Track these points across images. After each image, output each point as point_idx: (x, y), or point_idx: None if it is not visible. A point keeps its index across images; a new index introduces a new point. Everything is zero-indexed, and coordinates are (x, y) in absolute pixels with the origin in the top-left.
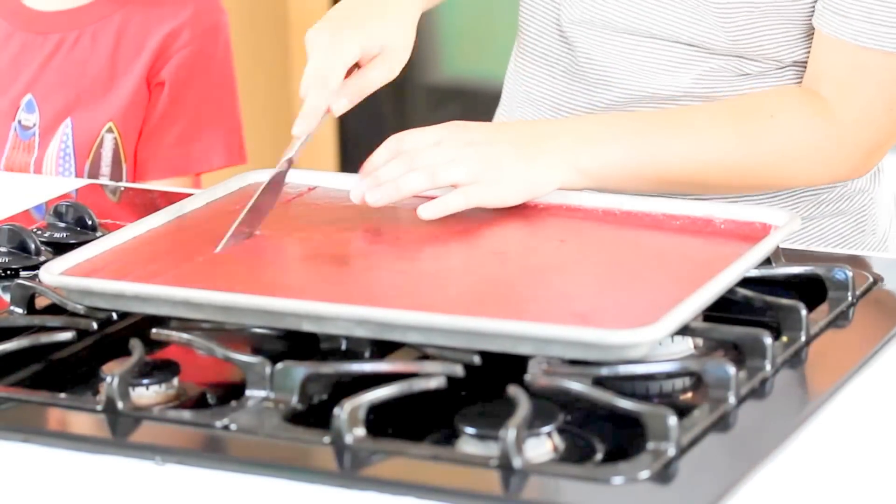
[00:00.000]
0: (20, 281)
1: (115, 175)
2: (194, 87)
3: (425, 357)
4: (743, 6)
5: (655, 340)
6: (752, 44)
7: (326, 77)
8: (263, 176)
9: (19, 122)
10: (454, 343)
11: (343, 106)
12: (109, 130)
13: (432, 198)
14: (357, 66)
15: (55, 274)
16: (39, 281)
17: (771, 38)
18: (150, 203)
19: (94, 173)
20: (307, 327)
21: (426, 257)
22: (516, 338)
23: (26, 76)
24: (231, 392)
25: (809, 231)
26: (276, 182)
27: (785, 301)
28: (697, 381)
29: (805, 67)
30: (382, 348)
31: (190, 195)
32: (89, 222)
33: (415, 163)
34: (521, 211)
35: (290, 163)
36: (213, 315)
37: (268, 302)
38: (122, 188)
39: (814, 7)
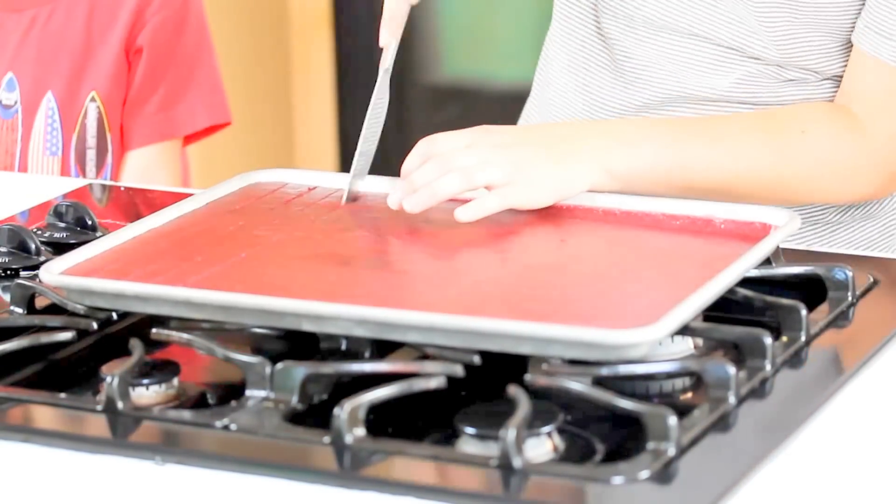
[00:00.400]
0: (20, 281)
1: (101, 146)
2: (172, 51)
3: (425, 357)
4: (784, 14)
5: (655, 340)
6: (792, 53)
7: None
8: (264, 175)
9: (0, 102)
10: (454, 343)
11: None
12: (92, 100)
13: (465, 201)
14: None
15: (55, 274)
16: (39, 281)
17: (811, 49)
18: (150, 203)
19: (80, 146)
20: (307, 327)
21: (426, 257)
22: (516, 338)
23: (5, 55)
24: (231, 392)
25: (837, 236)
26: (380, 100)
27: (785, 301)
28: (697, 381)
29: (840, 77)
30: (382, 348)
31: (190, 195)
32: (89, 222)
33: (449, 165)
34: (521, 211)
35: (388, 72)
36: (214, 315)
37: (267, 302)
38: (122, 188)
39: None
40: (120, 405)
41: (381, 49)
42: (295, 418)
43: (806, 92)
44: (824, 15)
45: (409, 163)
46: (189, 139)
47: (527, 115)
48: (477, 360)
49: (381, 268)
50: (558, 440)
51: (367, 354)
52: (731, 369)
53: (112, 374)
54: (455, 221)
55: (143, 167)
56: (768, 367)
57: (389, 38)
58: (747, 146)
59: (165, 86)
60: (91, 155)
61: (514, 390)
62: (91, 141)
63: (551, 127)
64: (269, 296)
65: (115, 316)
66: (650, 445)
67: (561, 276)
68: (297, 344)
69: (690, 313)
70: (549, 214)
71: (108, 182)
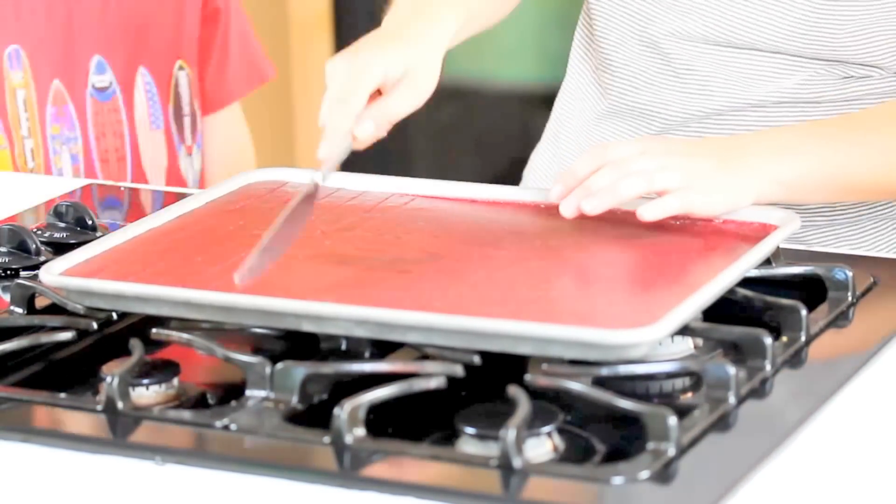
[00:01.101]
0: (20, 281)
1: (193, 113)
2: (238, 9)
3: (425, 357)
4: (856, 15)
5: (655, 340)
6: (859, 51)
7: (347, 100)
8: (264, 175)
9: (93, 86)
10: (454, 343)
11: (368, 130)
12: (181, 68)
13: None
14: (380, 93)
15: (55, 274)
16: (39, 281)
17: (878, 45)
18: (150, 203)
19: (178, 115)
20: (307, 327)
21: (426, 258)
22: (516, 338)
23: (86, 38)
24: (231, 392)
25: (866, 235)
26: (301, 208)
27: (785, 301)
28: (697, 381)
29: None
30: (382, 348)
31: (190, 195)
32: (89, 222)
33: (628, 169)
34: (521, 211)
35: (317, 187)
36: (214, 315)
37: (267, 302)
38: (122, 188)
39: None
40: (120, 405)
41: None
42: (295, 418)
43: (870, 86)
44: (884, 8)
45: (582, 169)
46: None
47: (547, 144)
48: (477, 360)
49: (381, 268)
50: (558, 440)
51: (367, 354)
52: (731, 369)
53: (112, 374)
54: (456, 223)
55: (228, 126)
56: (768, 367)
57: (329, 152)
58: (893, 139)
59: (237, 44)
60: (187, 122)
61: (514, 390)
62: (186, 108)
63: (717, 140)
64: (269, 296)
65: (115, 316)
66: (650, 445)
67: (561, 277)
68: (297, 344)
69: (690, 314)
70: (549, 214)
71: (109, 182)
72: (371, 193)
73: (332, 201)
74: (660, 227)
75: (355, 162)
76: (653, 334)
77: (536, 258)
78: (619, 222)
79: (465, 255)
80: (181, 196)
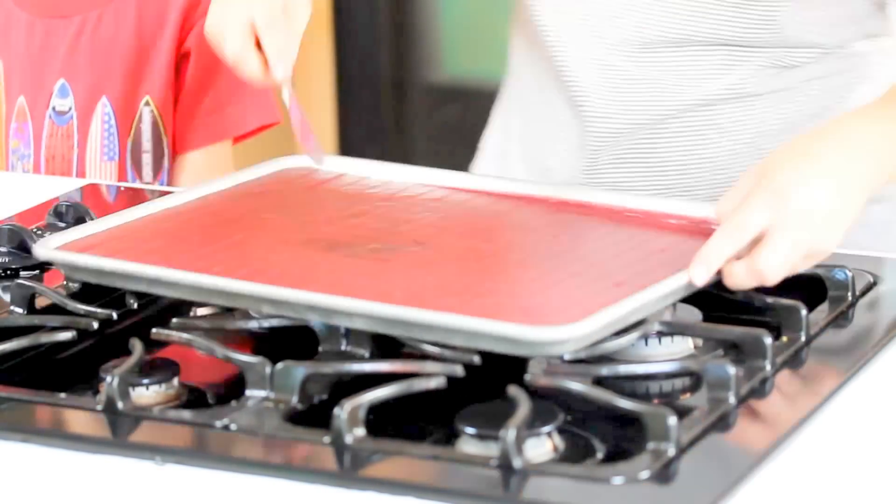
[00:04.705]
0: (20, 281)
1: (157, 150)
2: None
3: (426, 357)
4: None
5: (576, 339)
6: (798, 30)
7: (274, 25)
8: (298, 161)
9: (53, 108)
10: (397, 332)
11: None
12: (147, 104)
13: None
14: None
15: (50, 248)
16: (39, 281)
17: (815, 21)
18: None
19: (136, 151)
20: (268, 310)
21: (411, 247)
22: (447, 330)
23: (56, 62)
24: (231, 392)
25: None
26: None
27: (785, 301)
28: (697, 381)
29: (844, 48)
30: (383, 349)
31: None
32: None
33: (768, 263)
34: (533, 205)
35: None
36: (182, 294)
37: (226, 283)
38: (122, 188)
39: None
40: (120, 405)
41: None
42: (295, 418)
43: (810, 71)
44: None
45: (725, 252)
46: (238, 138)
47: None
48: (477, 360)
49: (364, 255)
50: (558, 440)
51: (366, 355)
52: (731, 369)
53: (112, 374)
54: (457, 215)
55: (197, 170)
56: (768, 367)
57: (285, 71)
58: None
59: (216, 87)
60: (147, 159)
61: (514, 390)
62: (147, 145)
63: (829, 171)
64: (230, 278)
65: (115, 316)
66: (650, 445)
67: (531, 271)
68: (297, 344)
69: (619, 315)
70: (559, 209)
71: (109, 182)
72: (393, 183)
73: (356, 189)
74: (653, 225)
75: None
76: (571, 332)
77: (518, 252)
78: (605, 217)
79: (450, 246)
80: None
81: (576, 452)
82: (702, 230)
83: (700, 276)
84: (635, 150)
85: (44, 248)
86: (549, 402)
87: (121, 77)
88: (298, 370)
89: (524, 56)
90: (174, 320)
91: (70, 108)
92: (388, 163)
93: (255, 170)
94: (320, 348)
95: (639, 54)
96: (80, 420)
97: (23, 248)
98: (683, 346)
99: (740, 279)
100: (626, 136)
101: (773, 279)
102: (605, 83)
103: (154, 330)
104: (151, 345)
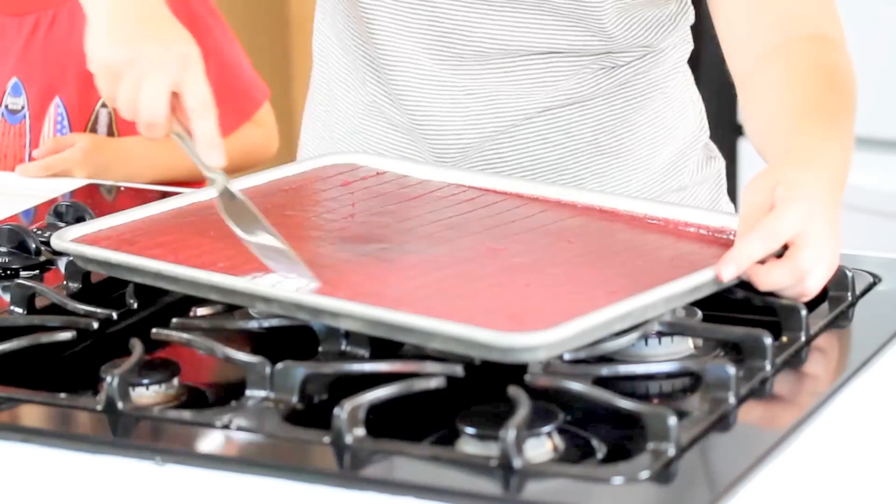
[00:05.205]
0: (20, 281)
1: None
2: None
3: (426, 357)
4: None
5: (540, 346)
6: (625, 35)
7: (201, 107)
8: (336, 159)
9: (6, 107)
10: (380, 334)
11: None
12: (104, 105)
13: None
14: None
15: (66, 240)
16: (40, 280)
17: (640, 27)
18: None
19: None
20: (260, 307)
21: (414, 249)
22: (423, 333)
23: (9, 60)
24: (231, 392)
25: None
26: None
27: (785, 301)
28: (697, 381)
29: (662, 42)
30: (383, 349)
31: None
32: None
33: (801, 271)
34: (546, 209)
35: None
36: (177, 287)
37: (195, 274)
38: (123, 188)
39: None
40: (120, 405)
41: None
42: (295, 418)
43: (636, 68)
44: None
45: (755, 254)
46: None
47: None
48: (477, 360)
49: (366, 255)
50: (558, 440)
51: (366, 355)
52: (731, 369)
53: (112, 374)
54: (474, 218)
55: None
56: (768, 367)
57: (219, 155)
58: (853, 108)
59: None
60: None
61: (514, 390)
62: None
63: (829, 191)
64: (213, 272)
65: (115, 316)
66: (650, 445)
67: (529, 276)
68: (297, 344)
69: (595, 324)
70: (573, 216)
71: (109, 182)
72: (430, 182)
73: (388, 188)
74: (675, 235)
75: None
76: (542, 339)
77: (526, 257)
78: (620, 221)
79: (463, 248)
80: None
81: (576, 452)
82: (718, 241)
83: (728, 274)
84: (484, 159)
85: (59, 240)
86: (549, 402)
87: (75, 78)
88: (298, 370)
89: (350, 76)
90: (174, 320)
91: (23, 107)
92: (427, 164)
93: (287, 168)
94: (320, 348)
95: (474, 69)
96: (80, 420)
97: (23, 248)
98: (683, 346)
99: (776, 279)
100: (473, 149)
101: (816, 288)
102: (443, 100)
103: (154, 330)
104: (151, 345)
